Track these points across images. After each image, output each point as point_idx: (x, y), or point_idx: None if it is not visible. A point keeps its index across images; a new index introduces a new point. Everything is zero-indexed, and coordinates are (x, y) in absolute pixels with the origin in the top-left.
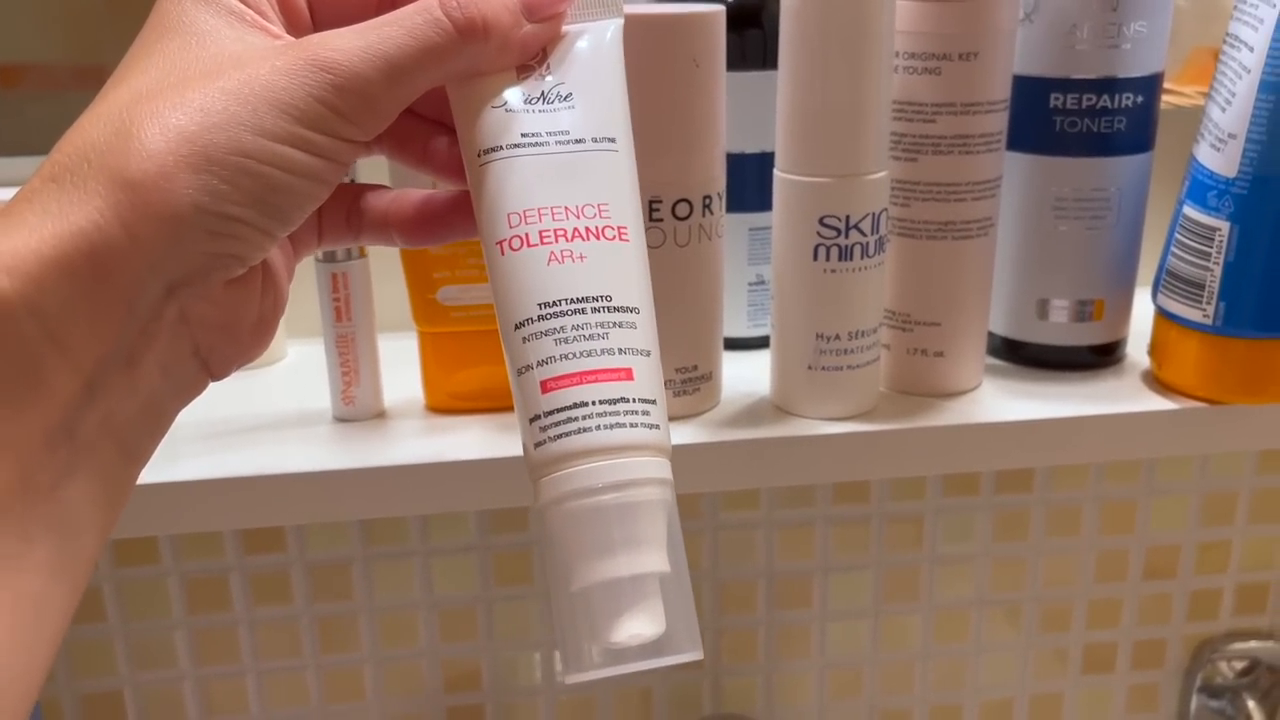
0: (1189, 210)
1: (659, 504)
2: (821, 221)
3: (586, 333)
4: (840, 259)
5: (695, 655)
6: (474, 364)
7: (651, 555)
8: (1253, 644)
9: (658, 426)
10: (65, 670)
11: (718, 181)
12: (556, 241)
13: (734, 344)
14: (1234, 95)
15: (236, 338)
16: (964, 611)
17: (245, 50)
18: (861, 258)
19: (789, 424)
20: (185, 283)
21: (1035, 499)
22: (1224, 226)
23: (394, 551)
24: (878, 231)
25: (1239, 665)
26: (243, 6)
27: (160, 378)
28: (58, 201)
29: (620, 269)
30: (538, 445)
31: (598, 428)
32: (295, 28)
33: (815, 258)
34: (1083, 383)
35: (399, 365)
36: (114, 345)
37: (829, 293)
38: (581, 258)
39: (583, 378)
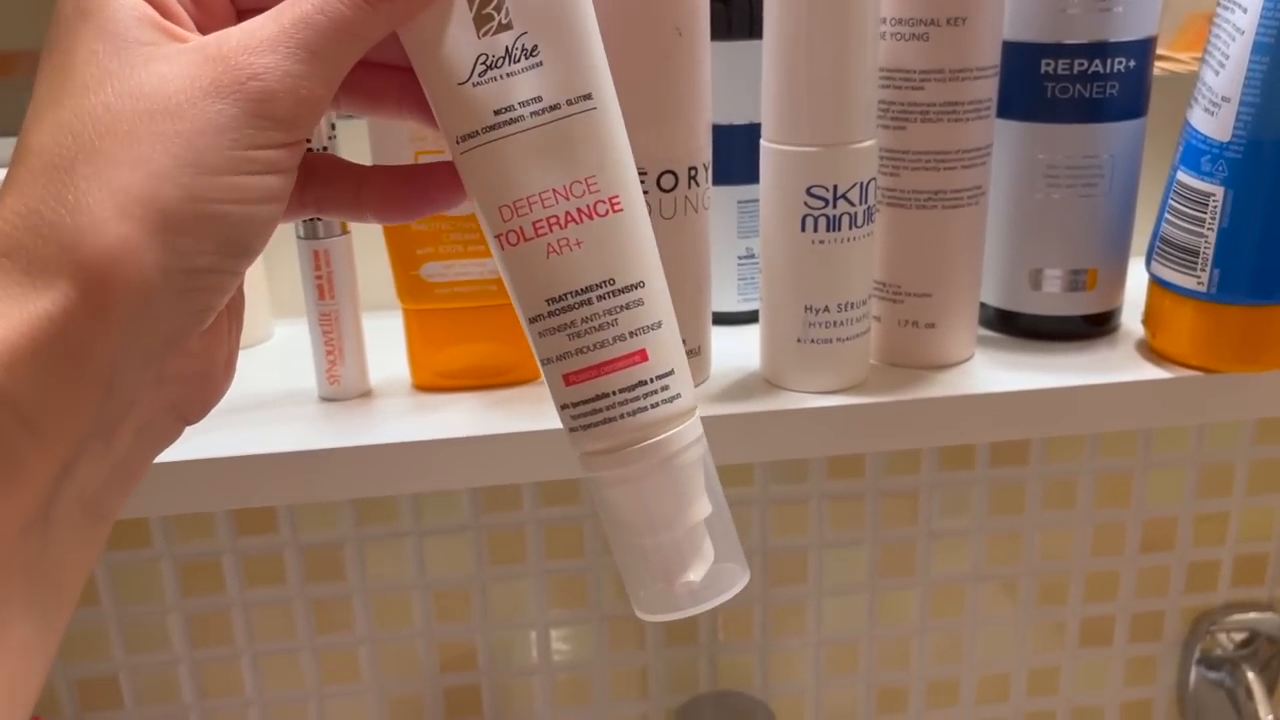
0: (1183, 176)
1: (694, 463)
2: (809, 192)
3: (596, 323)
4: (828, 229)
5: (744, 579)
6: (460, 341)
7: (694, 508)
8: (1251, 615)
9: (679, 395)
10: (60, 656)
11: (703, 152)
12: (551, 231)
13: (724, 319)
14: (1227, 58)
15: (211, 381)
16: (960, 586)
17: (161, 66)
18: (850, 228)
19: (779, 398)
20: (164, 350)
21: (1031, 472)
22: (1218, 192)
23: (387, 532)
24: (866, 201)
25: (1238, 637)
26: (145, 6)
27: (134, 440)
28: (18, 284)
29: (619, 245)
30: (572, 430)
31: (621, 415)
32: (207, 13)
33: (803, 228)
34: (1077, 353)
35: (385, 343)
36: (92, 426)
37: (817, 264)
38: (579, 244)
39: (600, 370)
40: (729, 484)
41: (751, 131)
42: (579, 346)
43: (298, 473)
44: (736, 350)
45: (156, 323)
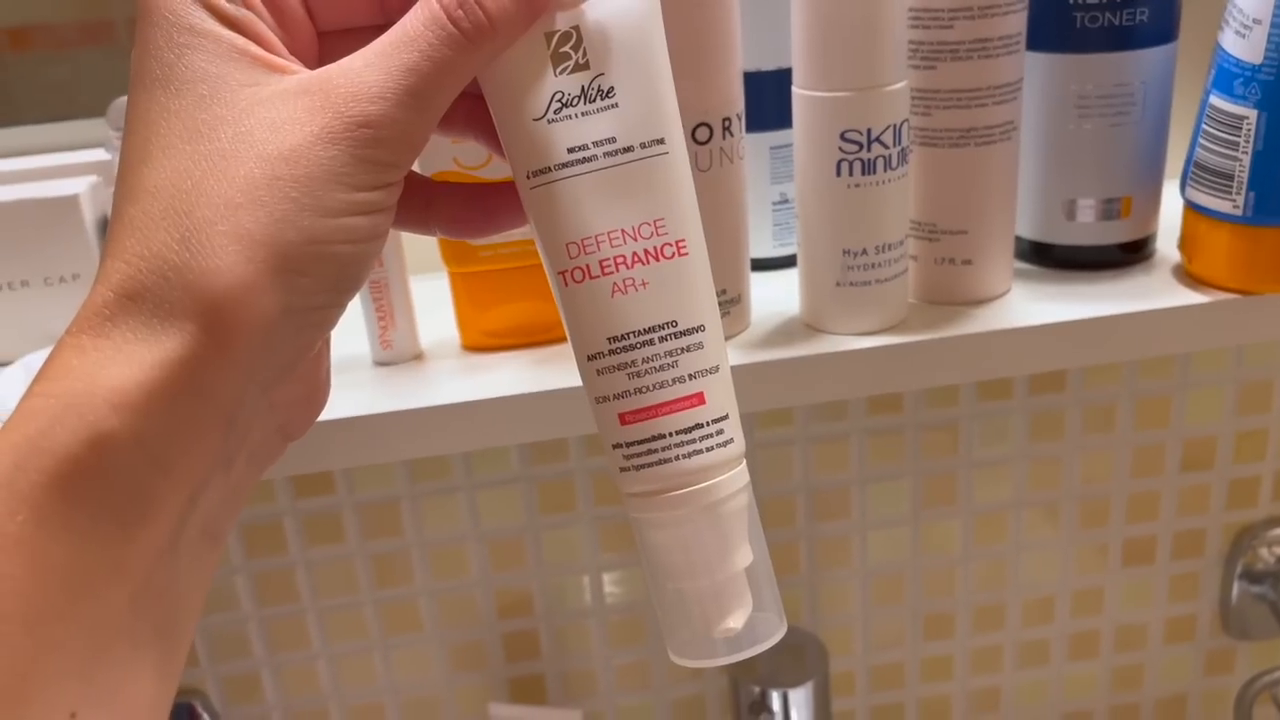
0: (1215, 100)
1: (740, 510)
2: (843, 136)
3: (656, 364)
4: (863, 173)
5: (781, 631)
6: (506, 301)
7: (737, 555)
8: None
9: (732, 440)
10: None
11: (736, 103)
12: (618, 270)
13: (760, 264)
14: None
15: (314, 399)
16: (1002, 514)
17: (270, 112)
18: (885, 170)
19: (820, 341)
20: (278, 380)
21: (1069, 399)
22: (1251, 115)
23: (440, 487)
24: (900, 143)
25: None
26: (239, 38)
27: (247, 466)
28: (147, 326)
29: (683, 288)
30: (622, 470)
31: (676, 458)
32: (293, 35)
33: (838, 173)
34: (1113, 281)
35: (433, 307)
36: (216, 459)
37: (854, 208)
38: (644, 284)
39: (657, 411)
40: (770, 426)
41: (781, 77)
42: (638, 386)
43: (358, 437)
44: (775, 296)
45: (274, 357)
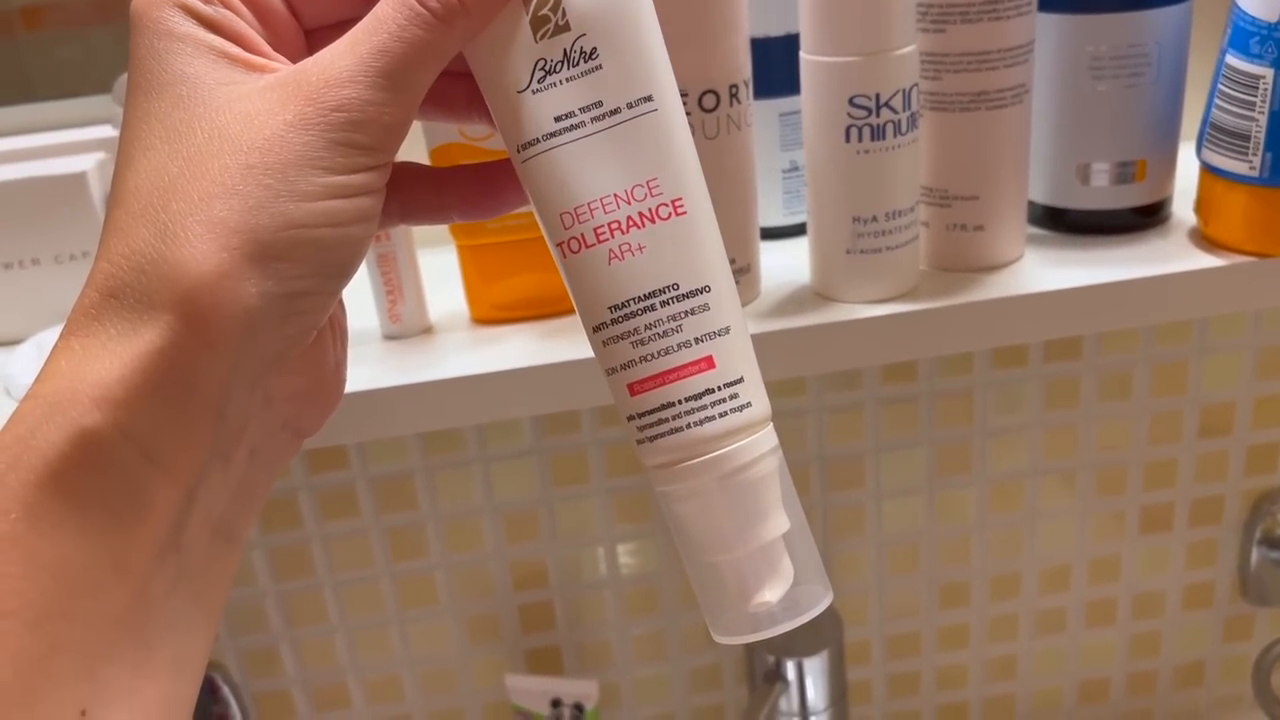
0: (1231, 59)
1: (769, 475)
2: (851, 102)
3: (660, 330)
4: (873, 139)
5: (827, 599)
6: (514, 273)
7: (771, 523)
8: None
9: (750, 404)
10: None
11: (743, 69)
12: (613, 236)
13: (771, 233)
14: None
15: (320, 394)
16: (1018, 482)
17: (245, 105)
18: (894, 136)
19: (831, 309)
20: (267, 371)
21: (1085, 365)
22: (1268, 74)
23: (454, 460)
24: (909, 108)
25: None
26: (217, 39)
27: (250, 461)
28: (128, 321)
29: (683, 249)
30: (639, 442)
31: (688, 425)
32: (276, 33)
33: (847, 139)
34: (1128, 245)
35: (443, 280)
36: (209, 451)
37: (863, 174)
38: (641, 249)
39: (664, 378)
40: (784, 394)
41: (789, 43)
42: (643, 355)
43: (369, 410)
44: (785, 264)
45: (260, 347)
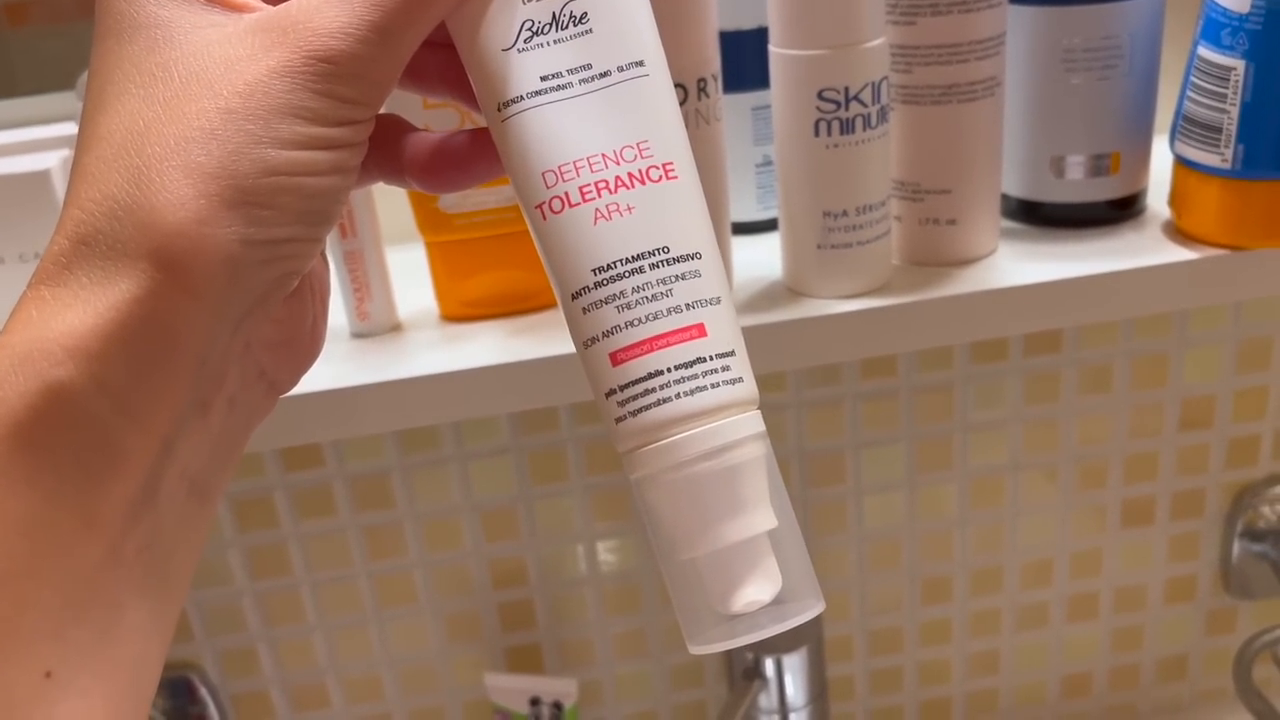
0: (1203, 51)
1: (756, 460)
2: (820, 95)
3: (649, 293)
4: (842, 133)
5: (817, 608)
6: (483, 270)
7: (757, 515)
8: None
9: (741, 379)
10: None
11: (712, 62)
12: (600, 195)
13: (744, 228)
14: None
15: (298, 347)
16: (999, 477)
17: (226, 49)
18: (864, 130)
19: (803, 305)
20: (249, 316)
21: (1065, 359)
22: (1239, 65)
23: (431, 458)
24: (879, 101)
25: None
26: None
27: (228, 412)
28: (101, 269)
29: (673, 212)
30: (619, 420)
31: (678, 395)
32: None
33: (816, 133)
34: (1102, 239)
35: (411, 277)
36: (188, 402)
37: (833, 168)
38: (629, 209)
39: (653, 344)
40: (763, 389)
41: (761, 36)
42: (629, 319)
43: (337, 409)
44: (758, 259)
45: (241, 292)
